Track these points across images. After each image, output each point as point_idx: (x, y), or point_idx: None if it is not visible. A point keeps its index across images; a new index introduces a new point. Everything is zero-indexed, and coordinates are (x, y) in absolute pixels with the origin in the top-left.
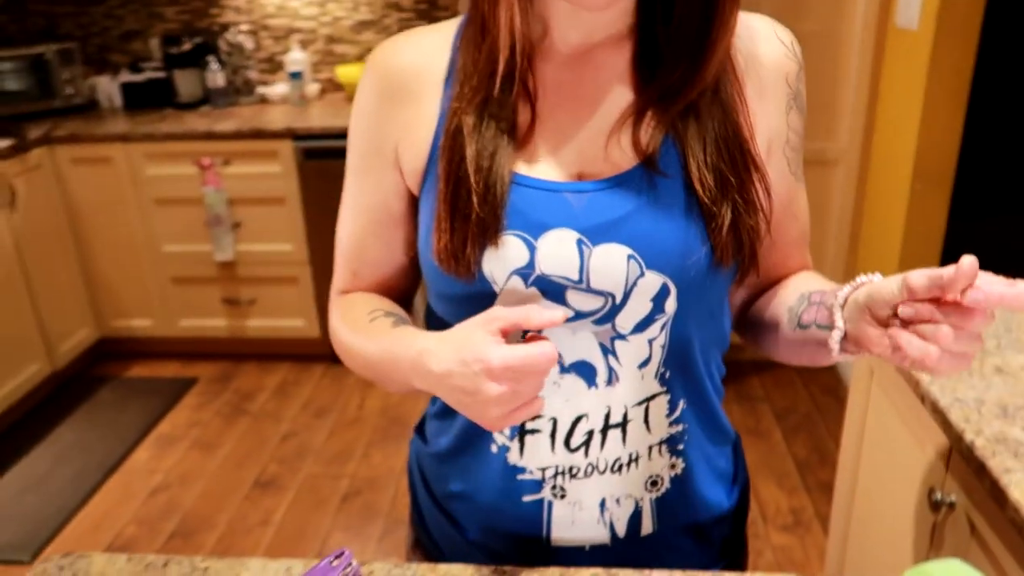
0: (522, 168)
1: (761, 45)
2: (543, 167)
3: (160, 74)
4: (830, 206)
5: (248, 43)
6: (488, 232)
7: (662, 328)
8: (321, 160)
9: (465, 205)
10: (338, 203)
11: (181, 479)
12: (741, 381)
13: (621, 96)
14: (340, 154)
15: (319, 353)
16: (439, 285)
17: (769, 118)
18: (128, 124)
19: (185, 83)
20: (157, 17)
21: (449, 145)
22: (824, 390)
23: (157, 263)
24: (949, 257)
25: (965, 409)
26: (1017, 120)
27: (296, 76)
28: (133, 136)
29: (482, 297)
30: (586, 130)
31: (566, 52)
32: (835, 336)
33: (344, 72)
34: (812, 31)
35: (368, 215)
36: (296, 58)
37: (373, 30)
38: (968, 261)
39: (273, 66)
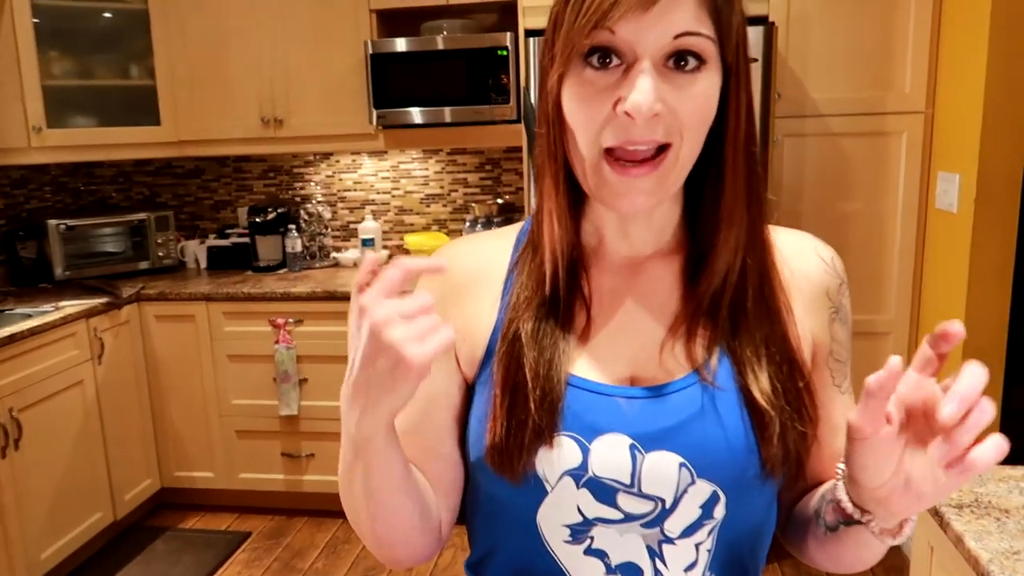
0: (578, 369)
1: (804, 261)
2: (598, 370)
3: (244, 239)
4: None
5: (326, 213)
6: (543, 435)
7: (709, 533)
8: None
9: (522, 410)
10: None
11: None
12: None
13: (672, 304)
14: None
15: None
16: (487, 483)
17: (813, 330)
18: (211, 285)
19: (265, 248)
20: (247, 189)
21: (507, 351)
22: (887, 568)
23: (224, 416)
24: (1007, 427)
25: None
26: None
27: (368, 243)
28: (216, 296)
29: (531, 495)
30: (640, 335)
31: (619, 261)
32: (871, 524)
33: (412, 240)
34: (857, 210)
35: (423, 401)
36: (369, 227)
37: (440, 203)
38: (951, 326)
39: (347, 233)
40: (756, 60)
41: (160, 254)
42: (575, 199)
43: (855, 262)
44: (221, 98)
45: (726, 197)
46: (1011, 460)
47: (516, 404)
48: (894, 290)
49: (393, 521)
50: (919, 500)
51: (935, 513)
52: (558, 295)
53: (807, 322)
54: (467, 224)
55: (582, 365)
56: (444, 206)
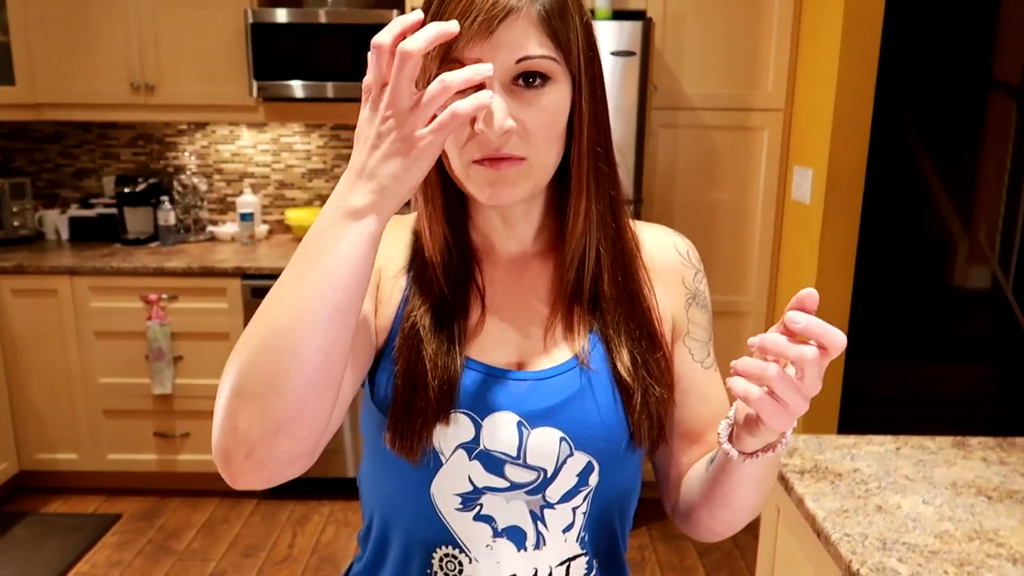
0: (473, 353)
1: (662, 253)
2: (491, 354)
3: (111, 210)
4: (741, 354)
5: (202, 185)
6: (440, 414)
7: (585, 498)
8: None
9: (422, 399)
10: None
11: None
12: (666, 521)
13: (552, 297)
14: None
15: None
16: (384, 460)
17: (673, 311)
18: (76, 258)
19: (135, 220)
20: (113, 157)
21: (407, 343)
22: (743, 529)
23: (90, 395)
24: (848, 395)
25: (852, 543)
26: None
27: (246, 217)
28: (81, 270)
29: (426, 468)
30: (526, 324)
31: (507, 259)
32: (722, 427)
33: (294, 215)
34: (724, 200)
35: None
36: (248, 200)
37: (323, 178)
38: (806, 292)
39: (224, 207)
40: (634, 54)
41: (16, 223)
42: (459, 201)
43: (721, 248)
44: (84, 59)
45: (573, 194)
46: (848, 429)
47: (416, 394)
48: (754, 274)
49: (314, 372)
50: (787, 410)
51: (781, 478)
52: (454, 290)
53: (667, 304)
54: None
55: (477, 350)
56: (327, 181)
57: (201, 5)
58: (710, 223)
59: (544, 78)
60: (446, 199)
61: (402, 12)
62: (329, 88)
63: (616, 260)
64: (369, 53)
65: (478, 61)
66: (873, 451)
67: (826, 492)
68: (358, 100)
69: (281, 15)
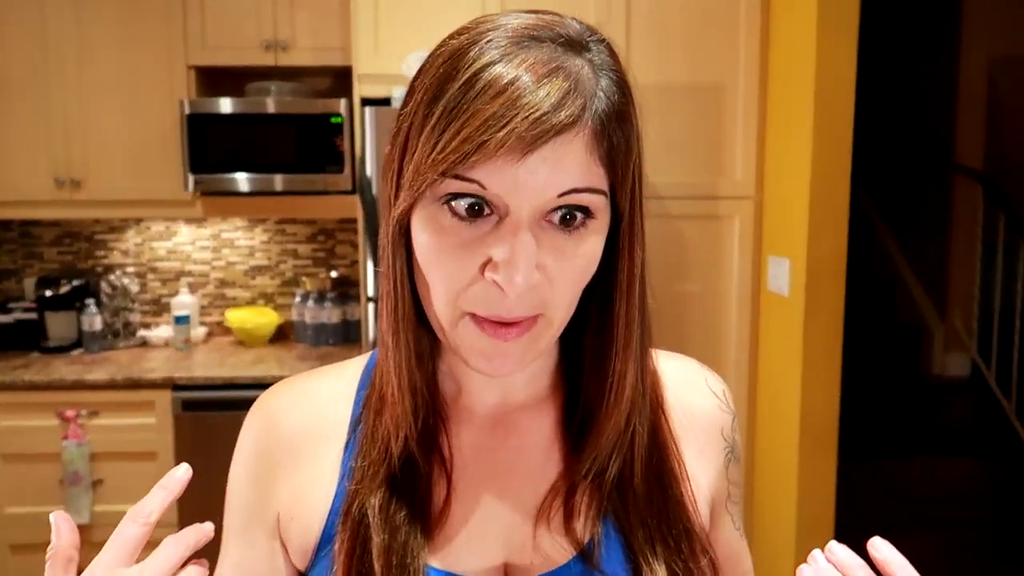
0: (437, 559)
1: (694, 396)
2: (462, 557)
3: (30, 315)
4: None
5: (133, 286)
6: None
7: None
8: (201, 412)
9: None
10: (216, 457)
11: None
12: None
13: (549, 467)
14: (222, 406)
15: None
16: None
17: (710, 477)
18: None
19: (57, 326)
20: (36, 257)
21: (350, 535)
22: None
23: None
24: (843, 501)
25: None
26: (872, 369)
27: (182, 320)
28: None
29: None
30: (511, 509)
31: (484, 413)
32: None
33: (235, 316)
34: (694, 292)
35: None
36: (183, 301)
37: (268, 275)
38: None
39: (159, 308)
40: None
41: None
42: (428, 336)
43: (694, 344)
44: (3, 151)
45: (616, 358)
46: (843, 533)
47: None
48: (732, 372)
49: None
50: None
51: None
52: (412, 459)
53: (702, 471)
54: (297, 299)
55: (443, 551)
56: (272, 279)
57: (133, 95)
58: (681, 318)
59: (587, 214)
60: (417, 338)
61: (351, 101)
62: (274, 181)
63: (653, 433)
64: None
65: (502, 189)
66: None
67: None
68: (304, 193)
69: (224, 104)
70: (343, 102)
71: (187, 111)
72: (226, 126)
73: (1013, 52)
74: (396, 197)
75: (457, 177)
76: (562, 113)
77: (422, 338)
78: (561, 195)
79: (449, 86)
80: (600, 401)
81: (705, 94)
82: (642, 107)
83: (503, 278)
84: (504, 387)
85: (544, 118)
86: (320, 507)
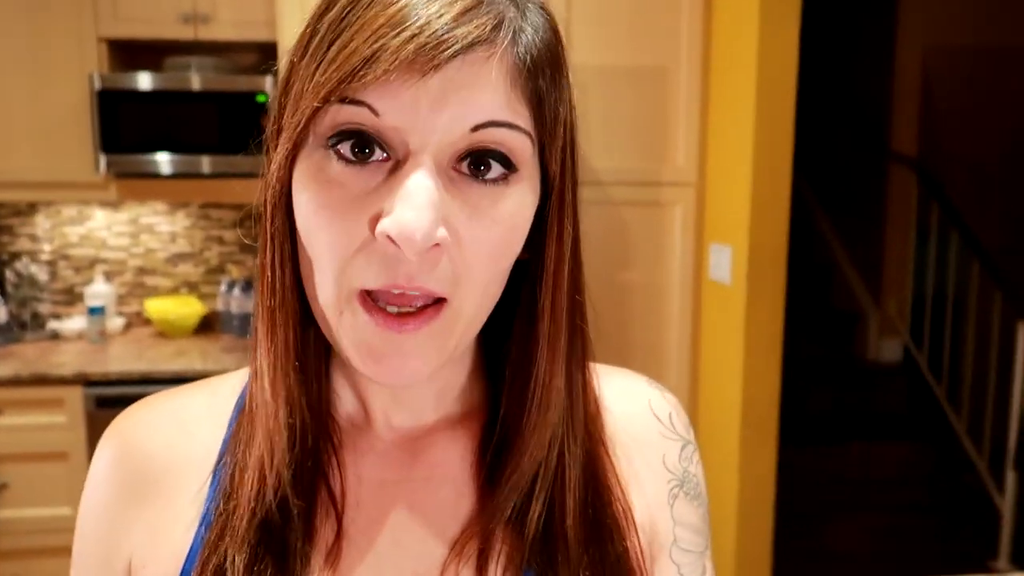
0: None
1: (633, 420)
2: None
3: None
4: None
5: (42, 274)
6: None
7: None
8: (115, 409)
9: None
10: None
11: None
12: None
13: (461, 505)
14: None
15: None
16: None
17: (650, 513)
18: None
19: None
20: None
21: None
22: None
23: None
24: (782, 487)
25: None
26: (809, 354)
27: (96, 311)
28: None
29: None
30: (413, 559)
31: (389, 439)
32: None
33: (155, 306)
34: (636, 280)
35: None
36: (98, 291)
37: (191, 263)
38: None
39: (72, 297)
40: None
41: None
42: (318, 338)
43: (636, 333)
44: None
45: (540, 359)
46: (783, 519)
47: None
48: (674, 361)
49: None
50: None
51: None
52: (289, 498)
53: (640, 505)
54: (223, 288)
55: None
56: (196, 266)
57: (39, 68)
58: (623, 306)
59: (508, 166)
60: (301, 335)
61: (276, 79)
62: (194, 163)
63: (588, 465)
64: None
65: (401, 117)
66: None
67: None
68: (228, 176)
69: (141, 81)
70: (269, 79)
71: (98, 86)
72: (142, 104)
73: (947, 42)
74: (275, 141)
75: (344, 101)
76: (472, 23)
77: (308, 337)
78: (475, 128)
79: (337, 1)
80: (520, 418)
81: (648, 77)
82: (584, 88)
83: (396, 227)
84: (413, 404)
85: (447, 27)
86: (176, 554)
